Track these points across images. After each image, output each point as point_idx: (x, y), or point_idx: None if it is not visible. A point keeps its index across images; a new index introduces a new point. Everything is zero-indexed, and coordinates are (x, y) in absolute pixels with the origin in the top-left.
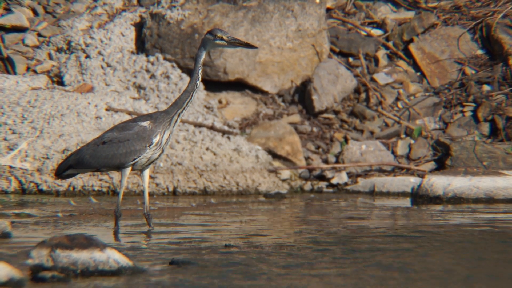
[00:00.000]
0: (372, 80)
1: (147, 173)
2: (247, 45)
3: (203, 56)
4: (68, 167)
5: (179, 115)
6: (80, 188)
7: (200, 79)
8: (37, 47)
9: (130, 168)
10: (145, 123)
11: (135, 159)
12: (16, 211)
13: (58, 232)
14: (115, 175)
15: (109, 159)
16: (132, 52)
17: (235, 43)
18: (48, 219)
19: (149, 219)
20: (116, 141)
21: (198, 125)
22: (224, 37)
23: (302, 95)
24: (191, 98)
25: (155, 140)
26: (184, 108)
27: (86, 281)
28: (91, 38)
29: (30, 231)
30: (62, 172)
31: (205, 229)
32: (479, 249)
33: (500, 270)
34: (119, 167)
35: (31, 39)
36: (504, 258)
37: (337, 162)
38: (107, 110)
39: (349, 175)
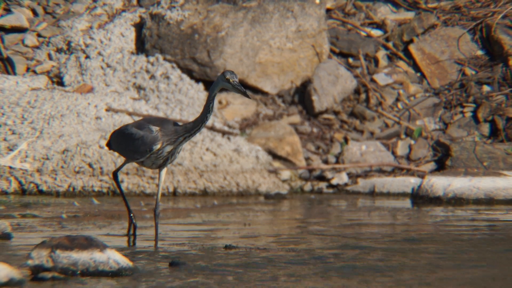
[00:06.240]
0: (372, 80)
1: (163, 172)
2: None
3: (216, 93)
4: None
5: (185, 138)
6: (80, 188)
7: (212, 113)
8: (37, 47)
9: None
10: (154, 128)
11: (138, 158)
12: (21, 213)
13: (63, 234)
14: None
15: (123, 152)
16: (132, 53)
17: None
18: (51, 220)
19: (156, 218)
20: (129, 137)
21: None
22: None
23: (302, 96)
24: (199, 129)
25: (155, 147)
26: (191, 134)
27: (87, 281)
28: (91, 38)
29: (34, 232)
30: (109, 145)
31: (206, 230)
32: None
33: None
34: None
35: (30, 39)
36: None
37: (337, 162)
38: (107, 110)
39: (349, 175)
